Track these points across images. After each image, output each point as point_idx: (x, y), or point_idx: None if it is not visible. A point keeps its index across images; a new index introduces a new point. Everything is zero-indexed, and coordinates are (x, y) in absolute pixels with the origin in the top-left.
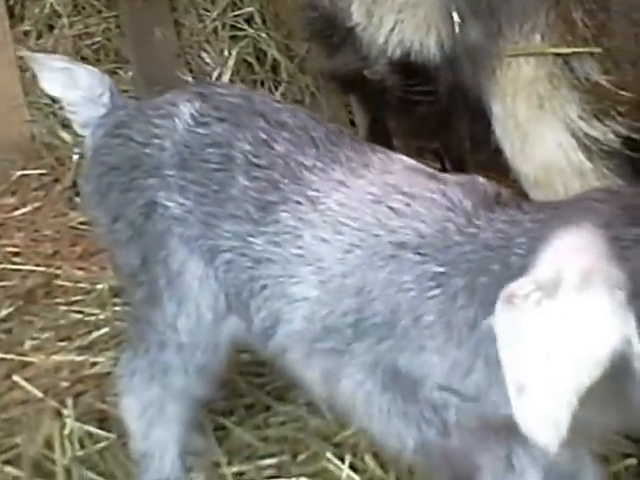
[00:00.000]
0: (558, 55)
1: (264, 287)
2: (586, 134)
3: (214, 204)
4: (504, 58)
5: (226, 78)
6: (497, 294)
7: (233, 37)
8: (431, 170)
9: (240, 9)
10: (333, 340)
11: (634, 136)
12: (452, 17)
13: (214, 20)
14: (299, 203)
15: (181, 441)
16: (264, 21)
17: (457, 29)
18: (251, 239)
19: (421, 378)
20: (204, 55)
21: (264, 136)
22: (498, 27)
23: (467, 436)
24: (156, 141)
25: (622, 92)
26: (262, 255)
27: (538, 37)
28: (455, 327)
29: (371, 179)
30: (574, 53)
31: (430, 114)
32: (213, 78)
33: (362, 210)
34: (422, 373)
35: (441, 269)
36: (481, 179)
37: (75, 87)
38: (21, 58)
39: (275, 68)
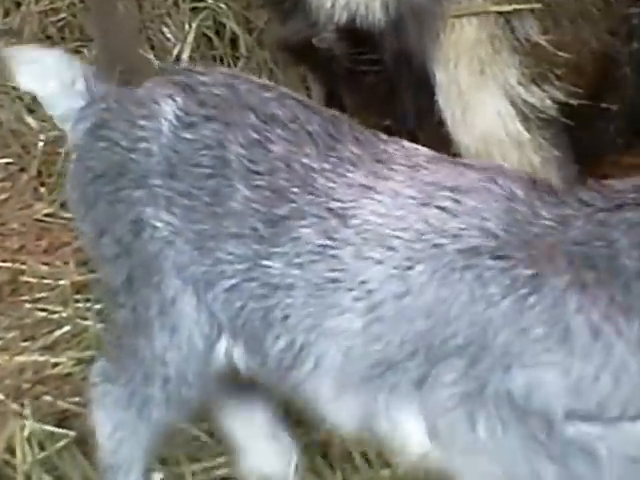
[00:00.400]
0: (500, 14)
1: (285, 317)
2: (524, 101)
3: (210, 221)
4: (448, 19)
5: (186, 55)
6: (625, 294)
7: (193, 9)
8: (453, 158)
9: None
10: (394, 375)
11: (570, 101)
12: None
13: None
14: (322, 218)
15: (149, 457)
16: None
17: None
18: (264, 262)
19: (546, 406)
20: (165, 30)
21: (257, 136)
22: None
23: None
24: (142, 145)
25: (560, 53)
26: (281, 280)
27: None
28: (576, 335)
29: (402, 179)
30: (515, 10)
31: (377, 85)
32: (174, 55)
33: (409, 217)
34: (544, 399)
35: (530, 271)
36: (506, 165)
37: (48, 76)
38: None
39: (234, 42)
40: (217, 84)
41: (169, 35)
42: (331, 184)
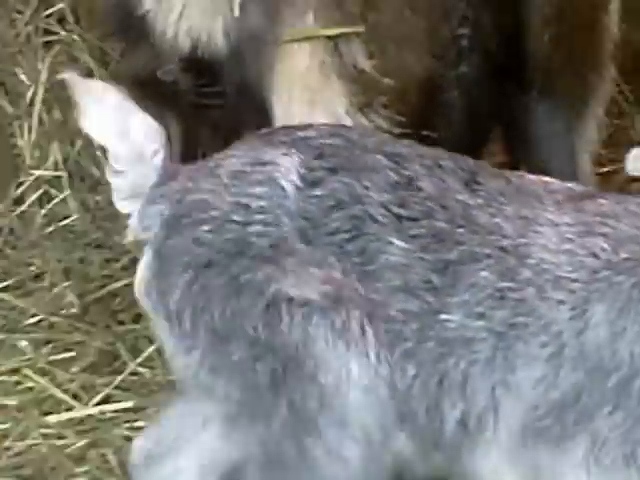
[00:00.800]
0: (329, 38)
1: (465, 379)
2: None
3: (366, 283)
4: (282, 45)
5: (40, 96)
6: None
7: (47, 43)
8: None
9: (52, 6)
10: (559, 424)
11: (395, 131)
12: None
13: (27, 24)
14: (497, 257)
15: None
16: (77, 20)
17: (236, 11)
18: (441, 316)
19: None
20: (17, 70)
21: (397, 177)
22: (277, 6)
23: None
24: (263, 217)
25: (385, 80)
26: (460, 334)
27: (311, 17)
28: None
29: (554, 209)
30: (343, 34)
31: (221, 119)
32: (27, 99)
33: (577, 253)
34: None
35: None
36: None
37: (126, 137)
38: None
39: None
40: (324, 135)
41: (22, 77)
42: (494, 219)
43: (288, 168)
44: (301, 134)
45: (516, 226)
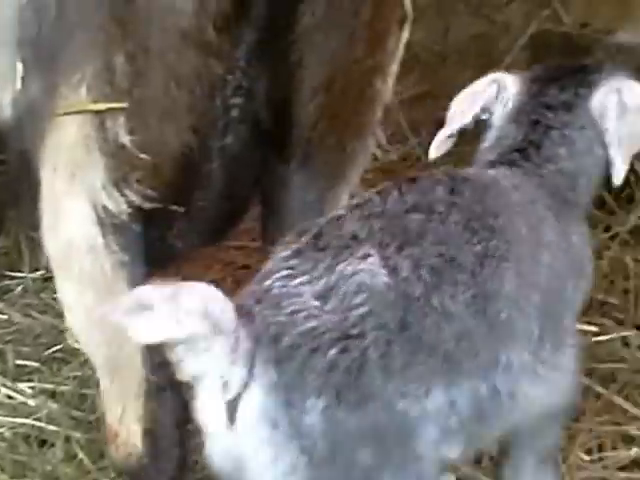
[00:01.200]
0: (97, 113)
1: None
2: (104, 207)
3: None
4: (55, 118)
5: None
6: None
7: None
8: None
9: None
10: None
11: (146, 206)
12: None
13: None
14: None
15: None
16: None
17: (19, 83)
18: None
19: None
20: None
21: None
22: (54, 79)
23: None
24: (375, 322)
25: (142, 155)
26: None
27: (84, 91)
28: None
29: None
30: (110, 109)
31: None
32: None
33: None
34: None
35: None
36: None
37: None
38: None
39: None
40: (326, 251)
41: None
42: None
43: (372, 269)
44: (301, 261)
45: (492, 266)
